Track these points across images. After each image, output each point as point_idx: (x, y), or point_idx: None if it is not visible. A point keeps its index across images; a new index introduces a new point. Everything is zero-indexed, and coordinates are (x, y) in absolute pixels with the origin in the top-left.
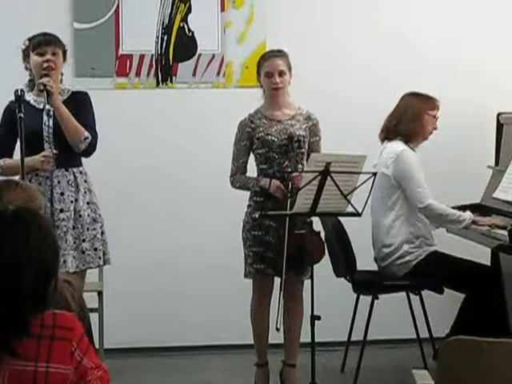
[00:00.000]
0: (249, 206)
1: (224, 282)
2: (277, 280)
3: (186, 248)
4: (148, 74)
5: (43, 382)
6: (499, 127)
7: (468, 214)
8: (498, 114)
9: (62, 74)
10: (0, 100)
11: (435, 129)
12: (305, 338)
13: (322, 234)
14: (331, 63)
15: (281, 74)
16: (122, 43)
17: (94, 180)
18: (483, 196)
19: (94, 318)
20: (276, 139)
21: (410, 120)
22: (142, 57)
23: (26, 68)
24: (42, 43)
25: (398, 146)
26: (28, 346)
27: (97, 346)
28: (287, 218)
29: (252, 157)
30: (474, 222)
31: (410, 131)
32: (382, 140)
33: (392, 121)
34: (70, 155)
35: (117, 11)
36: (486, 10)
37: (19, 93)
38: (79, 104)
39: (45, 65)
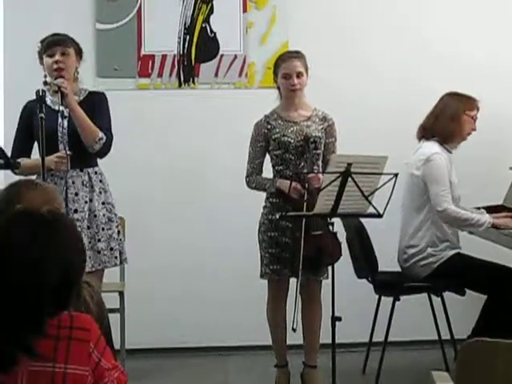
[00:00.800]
0: (265, 207)
1: (244, 283)
2: (293, 280)
3: (205, 249)
4: (170, 74)
5: (61, 382)
6: None
7: (487, 217)
8: None
9: (77, 73)
10: (23, 100)
11: (474, 129)
12: (326, 339)
13: (344, 235)
14: (355, 63)
15: (298, 75)
16: (144, 44)
17: (116, 181)
18: (505, 197)
19: (115, 318)
20: (292, 140)
21: (447, 120)
22: (164, 57)
23: (44, 70)
24: (51, 44)
25: (431, 147)
26: (46, 346)
27: (118, 347)
28: (303, 219)
29: (268, 158)
30: (493, 225)
31: (448, 131)
32: (419, 139)
33: (429, 120)
34: (84, 156)
35: (139, 12)
36: None
37: (41, 93)
38: (95, 104)
39: (54, 66)
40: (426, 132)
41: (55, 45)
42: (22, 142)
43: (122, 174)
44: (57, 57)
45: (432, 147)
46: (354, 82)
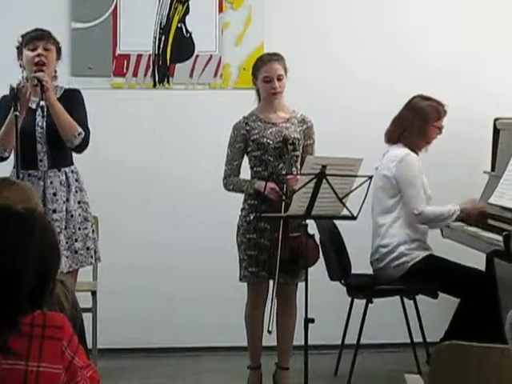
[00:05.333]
0: (242, 209)
1: (218, 284)
2: (271, 283)
3: (180, 248)
4: (145, 74)
5: (34, 381)
6: (496, 133)
7: (453, 206)
8: (495, 120)
9: (55, 71)
10: None
11: (439, 134)
12: (298, 341)
13: (317, 237)
14: (330, 65)
15: (279, 78)
16: (119, 43)
17: (90, 179)
18: (479, 201)
19: (87, 317)
20: (271, 142)
21: (415, 132)
22: (139, 57)
23: (21, 66)
24: (33, 38)
25: (402, 150)
26: (19, 344)
27: (90, 347)
28: (281, 220)
29: (245, 159)
30: (461, 211)
31: (414, 142)
32: (387, 142)
33: (397, 128)
34: (62, 155)
35: (115, 11)
36: (486, 16)
37: (15, 90)
38: (72, 101)
39: (36, 59)
40: (394, 138)
41: (38, 39)
42: None
43: (95, 173)
44: (39, 50)
45: (403, 150)
46: (329, 84)
